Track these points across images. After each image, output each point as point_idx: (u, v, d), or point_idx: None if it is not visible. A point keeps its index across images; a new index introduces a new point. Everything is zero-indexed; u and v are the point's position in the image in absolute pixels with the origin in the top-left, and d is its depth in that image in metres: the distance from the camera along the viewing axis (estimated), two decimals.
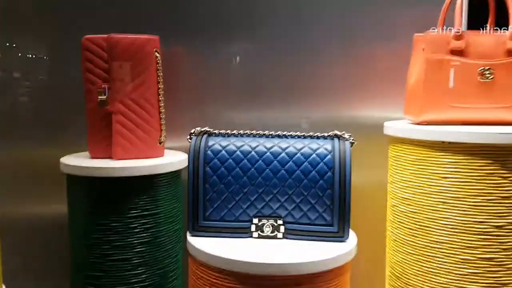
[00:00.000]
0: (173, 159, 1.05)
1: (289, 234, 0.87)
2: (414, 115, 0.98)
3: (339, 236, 0.86)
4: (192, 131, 0.92)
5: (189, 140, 0.91)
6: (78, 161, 1.02)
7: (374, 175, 1.21)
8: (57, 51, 1.22)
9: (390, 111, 1.21)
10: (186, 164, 1.08)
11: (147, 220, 1.01)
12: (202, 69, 1.23)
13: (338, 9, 1.19)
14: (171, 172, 1.05)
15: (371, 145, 1.16)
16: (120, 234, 0.98)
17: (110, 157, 1.06)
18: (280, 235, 0.87)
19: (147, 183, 1.01)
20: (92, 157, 1.07)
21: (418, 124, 0.98)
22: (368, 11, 1.19)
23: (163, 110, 1.09)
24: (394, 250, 1.00)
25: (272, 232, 0.87)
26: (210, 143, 0.89)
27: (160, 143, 1.09)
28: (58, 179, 1.06)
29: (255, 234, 0.87)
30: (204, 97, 1.23)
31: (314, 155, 0.86)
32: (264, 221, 0.87)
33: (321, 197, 0.85)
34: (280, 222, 0.87)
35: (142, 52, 1.03)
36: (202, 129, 0.91)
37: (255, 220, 0.87)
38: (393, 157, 1.00)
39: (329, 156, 0.86)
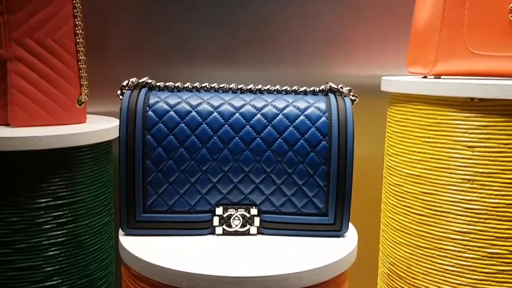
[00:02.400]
0: (99, 126, 0.76)
1: (267, 228, 0.62)
2: (424, 65, 0.75)
3: (336, 229, 0.62)
4: (125, 83, 0.63)
5: (120, 97, 0.63)
6: None
7: (366, 146, 0.99)
8: None
9: (382, 67, 0.98)
10: (117, 134, 0.79)
11: (62, 212, 0.72)
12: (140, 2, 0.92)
13: None
14: (96, 144, 0.76)
15: (360, 107, 0.93)
16: (23, 233, 0.69)
17: (5, 124, 0.74)
18: (254, 229, 0.62)
19: (61, 160, 0.71)
20: None
21: (430, 76, 0.75)
22: None
23: (82, 58, 0.79)
24: (395, 242, 0.77)
25: (242, 226, 0.61)
26: (152, 101, 0.61)
27: (80, 104, 0.79)
28: None
29: (219, 230, 0.61)
30: (144, 44, 0.93)
31: (302, 117, 0.61)
32: (231, 211, 0.61)
33: (312, 176, 0.60)
34: (254, 211, 0.61)
35: None
36: (140, 81, 0.63)
37: (219, 210, 0.61)
38: (396, 121, 0.76)
39: (323, 118, 0.61)
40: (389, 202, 0.79)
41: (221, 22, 0.94)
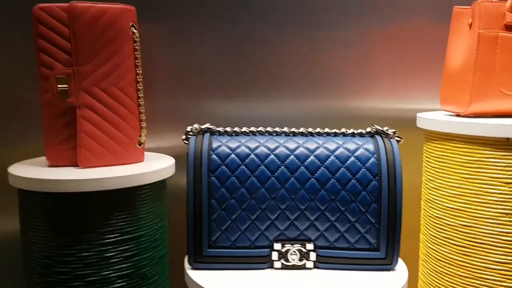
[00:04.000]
0: (158, 165, 0.82)
1: (322, 262, 0.67)
2: (459, 105, 0.80)
3: (387, 263, 0.66)
4: (189, 128, 0.69)
5: (185, 142, 0.69)
6: (33, 171, 0.77)
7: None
8: None
9: (415, 102, 1.03)
10: (173, 171, 0.86)
11: (128, 246, 0.78)
12: (184, 51, 0.99)
13: None
14: (156, 182, 0.82)
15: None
16: (94, 267, 0.75)
17: (75, 165, 0.81)
18: (310, 264, 0.67)
19: (127, 198, 0.77)
20: (51, 165, 0.82)
21: (464, 116, 0.80)
22: None
23: (142, 103, 0.86)
24: (436, 272, 0.81)
25: (299, 260, 0.66)
26: (215, 145, 0.67)
27: (139, 144, 0.86)
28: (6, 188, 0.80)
29: (278, 264, 0.66)
30: (189, 86, 1.00)
31: (353, 158, 0.66)
32: (288, 246, 0.66)
33: (364, 213, 0.66)
34: (310, 247, 0.66)
35: (115, 27, 0.79)
36: (202, 127, 0.69)
37: (277, 246, 0.66)
38: (434, 157, 0.81)
39: (372, 159, 0.66)
40: (429, 233, 0.83)
41: (252, 58, 1.00)
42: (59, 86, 0.78)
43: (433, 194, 0.82)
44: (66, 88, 0.78)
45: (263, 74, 1.01)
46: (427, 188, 0.85)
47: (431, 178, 0.83)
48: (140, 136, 0.86)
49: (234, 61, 1.00)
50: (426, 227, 0.85)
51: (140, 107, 0.85)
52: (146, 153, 0.95)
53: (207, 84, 1.00)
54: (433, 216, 0.82)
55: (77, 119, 0.80)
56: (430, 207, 0.83)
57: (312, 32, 1.00)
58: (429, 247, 0.83)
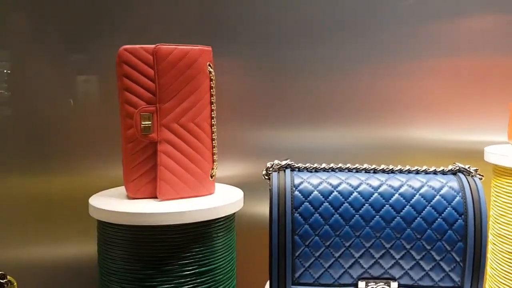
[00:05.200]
0: (231, 198, 0.84)
1: None
2: None
3: None
4: (269, 164, 0.71)
5: (266, 177, 0.71)
6: (114, 204, 0.81)
7: None
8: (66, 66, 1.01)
9: (483, 134, 1.02)
10: (242, 203, 0.87)
11: (205, 278, 0.79)
12: (246, 83, 1.02)
13: (416, 13, 1.01)
14: (228, 215, 0.84)
15: None
16: None
17: (153, 197, 0.84)
18: None
19: (204, 231, 0.79)
20: (130, 198, 0.85)
21: None
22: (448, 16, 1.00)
23: (215, 137, 0.88)
24: None
25: None
26: (297, 181, 0.68)
27: (211, 176, 0.88)
28: (86, 218, 0.84)
29: None
30: (248, 116, 1.03)
31: (438, 197, 0.66)
32: (373, 284, 0.66)
33: (449, 252, 0.65)
34: (394, 285, 0.66)
35: (194, 66, 0.83)
36: (282, 163, 0.71)
37: (362, 284, 0.66)
38: (505, 192, 0.80)
39: (458, 198, 0.66)
40: (501, 268, 0.81)
41: (315, 89, 1.02)
42: (143, 123, 0.81)
43: (504, 229, 0.80)
44: (149, 125, 0.82)
45: (325, 105, 1.02)
46: (497, 222, 0.83)
47: (502, 212, 0.81)
48: (213, 168, 0.88)
49: (295, 92, 1.02)
50: (497, 262, 0.82)
51: (213, 141, 0.88)
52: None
53: (269, 114, 1.02)
54: (505, 251, 0.80)
55: (158, 154, 0.83)
56: (502, 242, 0.81)
57: (378, 63, 1.01)
58: (500, 282, 0.81)
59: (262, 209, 1.02)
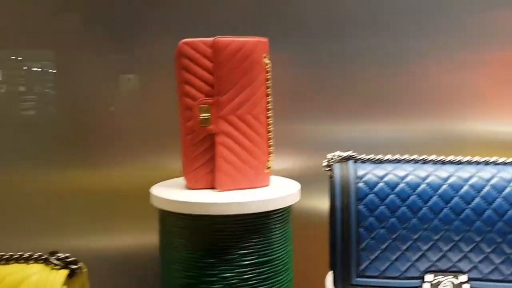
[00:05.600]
0: (290, 190, 0.84)
1: None
2: None
3: None
4: (330, 155, 0.70)
5: (327, 169, 0.70)
6: (174, 194, 0.82)
7: None
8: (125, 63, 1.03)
9: None
10: (299, 196, 0.87)
11: (264, 269, 0.80)
12: (301, 75, 1.02)
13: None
14: (285, 207, 0.84)
15: None
16: None
17: (211, 188, 0.85)
18: None
19: (263, 221, 0.79)
20: (190, 188, 0.86)
21: None
22: None
23: (271, 129, 0.88)
24: None
25: None
26: (360, 173, 0.67)
27: (267, 168, 0.88)
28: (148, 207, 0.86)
29: None
30: (304, 109, 1.02)
31: (509, 188, 0.64)
32: (440, 277, 0.65)
33: None
34: (463, 278, 0.64)
35: (251, 58, 0.83)
36: (344, 154, 0.70)
37: (429, 277, 0.65)
38: None
39: None
40: None
41: (374, 80, 1.00)
42: (201, 115, 0.82)
43: None
44: (208, 117, 0.82)
45: (384, 97, 1.01)
46: None
47: None
48: (269, 160, 0.89)
49: (354, 85, 1.01)
50: None
51: (269, 133, 0.88)
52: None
53: (327, 107, 1.02)
54: None
55: (216, 145, 0.84)
56: None
57: (442, 55, 0.98)
58: None
59: (317, 202, 1.02)
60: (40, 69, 0.99)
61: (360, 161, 0.70)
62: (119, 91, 1.02)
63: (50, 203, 1.00)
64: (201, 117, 0.83)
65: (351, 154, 0.70)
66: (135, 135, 1.03)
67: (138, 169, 1.02)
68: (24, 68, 0.98)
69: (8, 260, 0.59)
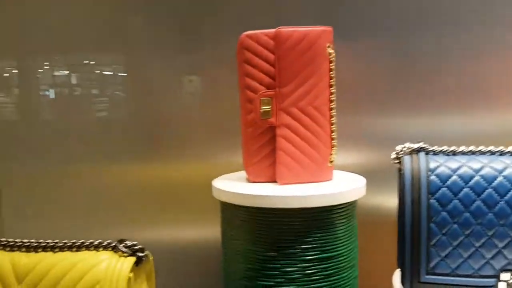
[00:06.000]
0: (353, 185, 0.82)
1: None
2: None
3: None
4: (399, 147, 0.67)
5: (395, 162, 0.67)
6: (236, 186, 0.82)
7: None
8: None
9: None
10: (364, 191, 0.84)
11: (327, 265, 0.78)
12: (367, 66, 0.98)
13: None
14: (350, 202, 0.81)
15: None
16: (296, 283, 0.76)
17: (272, 181, 0.85)
18: None
19: (326, 216, 0.78)
20: (251, 181, 0.86)
21: None
22: None
23: (334, 121, 0.86)
24: None
25: None
26: (432, 165, 0.64)
27: (330, 162, 0.86)
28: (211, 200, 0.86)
29: None
30: (372, 101, 0.99)
31: None
32: None
33: None
34: None
35: (314, 48, 0.81)
36: (414, 146, 0.67)
37: (505, 276, 0.60)
38: None
39: None
40: None
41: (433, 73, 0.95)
42: (262, 107, 0.82)
43: None
44: (269, 109, 0.82)
45: (443, 90, 0.95)
46: None
47: None
48: (331, 154, 0.86)
49: (421, 78, 0.97)
50: None
51: (332, 125, 0.86)
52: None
53: (393, 99, 0.98)
54: None
55: (276, 138, 0.83)
56: None
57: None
58: None
59: (383, 198, 0.98)
60: (111, 73, 1.03)
61: (432, 153, 0.67)
62: (183, 91, 1.04)
63: (123, 196, 1.04)
64: (262, 110, 0.82)
65: (422, 146, 0.67)
66: (199, 132, 1.05)
67: (201, 163, 1.04)
68: (97, 72, 1.02)
69: (79, 247, 0.62)
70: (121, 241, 0.62)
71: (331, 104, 0.85)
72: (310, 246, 0.77)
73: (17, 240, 0.63)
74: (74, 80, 1.03)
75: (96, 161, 1.04)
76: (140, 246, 0.62)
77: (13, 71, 1.01)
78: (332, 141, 0.86)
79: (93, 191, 1.04)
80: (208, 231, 1.02)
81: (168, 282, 1.00)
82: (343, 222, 0.80)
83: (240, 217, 0.80)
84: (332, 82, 0.84)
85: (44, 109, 1.02)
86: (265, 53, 0.82)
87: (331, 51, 0.83)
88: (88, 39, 1.01)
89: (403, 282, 0.63)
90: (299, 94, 0.82)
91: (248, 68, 0.83)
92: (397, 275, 0.72)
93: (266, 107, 0.82)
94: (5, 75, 1.01)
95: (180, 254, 1.05)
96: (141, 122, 1.05)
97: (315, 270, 0.77)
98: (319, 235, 0.77)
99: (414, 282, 0.63)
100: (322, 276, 0.77)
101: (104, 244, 0.62)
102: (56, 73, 1.02)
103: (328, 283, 0.77)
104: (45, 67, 1.01)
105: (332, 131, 0.86)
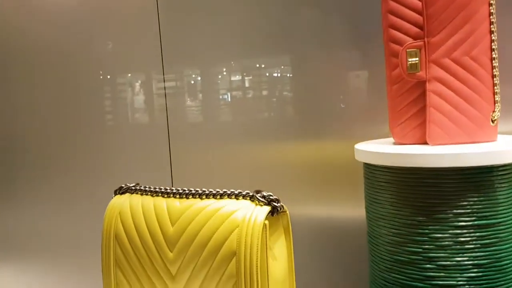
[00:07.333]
0: None
1: None
2: None
3: None
4: None
5: None
6: (380, 147, 0.78)
7: None
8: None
9: None
10: None
11: (485, 233, 0.69)
12: None
13: None
14: None
15: None
16: (447, 250, 0.69)
17: (422, 142, 0.78)
18: None
19: (484, 179, 0.68)
20: (397, 143, 0.81)
21: None
22: None
23: (497, 73, 0.75)
24: None
25: None
26: None
27: (493, 121, 0.75)
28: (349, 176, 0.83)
29: None
30: None
31: None
32: None
33: None
34: None
35: None
36: None
37: None
38: None
39: None
40: None
41: None
42: (409, 60, 0.75)
43: None
44: (416, 62, 0.75)
45: None
46: None
47: None
48: (494, 111, 0.75)
49: None
50: None
51: (494, 78, 0.75)
52: (500, 135, 0.84)
53: None
54: None
55: (427, 94, 0.76)
56: None
57: None
58: None
59: None
60: (279, 75, 1.07)
61: None
62: (348, 88, 1.01)
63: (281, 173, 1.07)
64: (409, 63, 0.76)
65: None
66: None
67: (345, 139, 1.00)
68: (266, 74, 1.08)
69: (222, 196, 0.66)
70: (257, 191, 0.64)
71: (493, 53, 0.74)
72: (463, 211, 0.69)
73: (172, 188, 0.70)
74: (247, 84, 1.10)
75: (266, 145, 1.08)
76: (275, 197, 0.63)
77: (198, 78, 1.14)
78: (495, 96, 0.75)
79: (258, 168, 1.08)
80: (354, 210, 0.99)
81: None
82: (505, 186, 0.69)
83: (384, 179, 0.75)
84: (493, 28, 0.73)
85: (223, 111, 1.11)
86: (410, 1, 0.75)
87: None
88: (257, 44, 1.05)
89: None
90: (453, 43, 0.74)
91: (392, 18, 0.77)
92: None
93: (413, 59, 0.76)
94: (191, 82, 1.14)
95: (326, 228, 1.04)
96: (307, 121, 1.04)
97: (469, 238, 0.69)
98: (475, 199, 0.68)
99: None
100: (477, 245, 0.68)
101: (244, 193, 0.65)
102: (232, 78, 1.11)
103: (484, 253, 0.68)
104: (224, 73, 1.11)
105: (494, 85, 0.75)
